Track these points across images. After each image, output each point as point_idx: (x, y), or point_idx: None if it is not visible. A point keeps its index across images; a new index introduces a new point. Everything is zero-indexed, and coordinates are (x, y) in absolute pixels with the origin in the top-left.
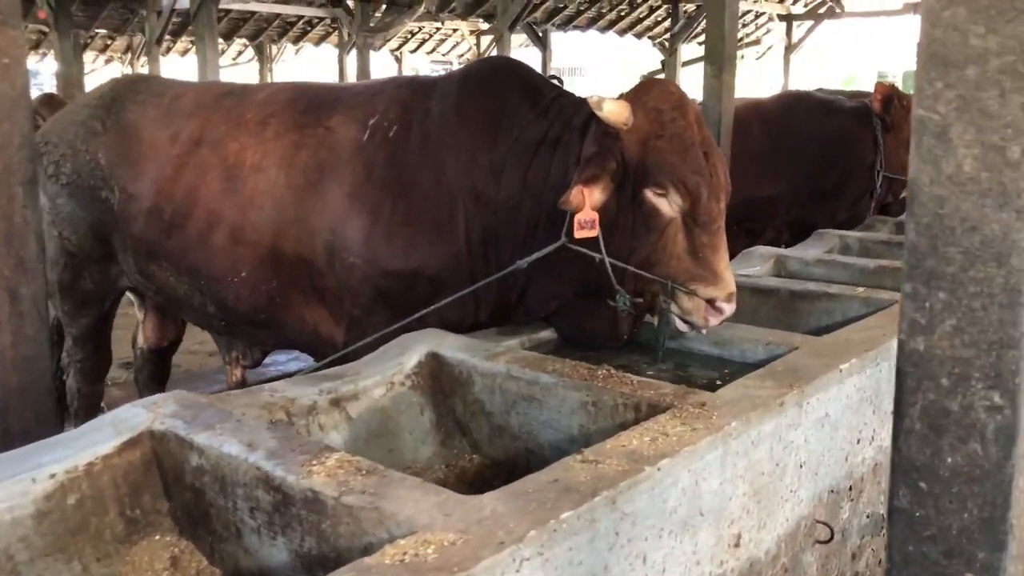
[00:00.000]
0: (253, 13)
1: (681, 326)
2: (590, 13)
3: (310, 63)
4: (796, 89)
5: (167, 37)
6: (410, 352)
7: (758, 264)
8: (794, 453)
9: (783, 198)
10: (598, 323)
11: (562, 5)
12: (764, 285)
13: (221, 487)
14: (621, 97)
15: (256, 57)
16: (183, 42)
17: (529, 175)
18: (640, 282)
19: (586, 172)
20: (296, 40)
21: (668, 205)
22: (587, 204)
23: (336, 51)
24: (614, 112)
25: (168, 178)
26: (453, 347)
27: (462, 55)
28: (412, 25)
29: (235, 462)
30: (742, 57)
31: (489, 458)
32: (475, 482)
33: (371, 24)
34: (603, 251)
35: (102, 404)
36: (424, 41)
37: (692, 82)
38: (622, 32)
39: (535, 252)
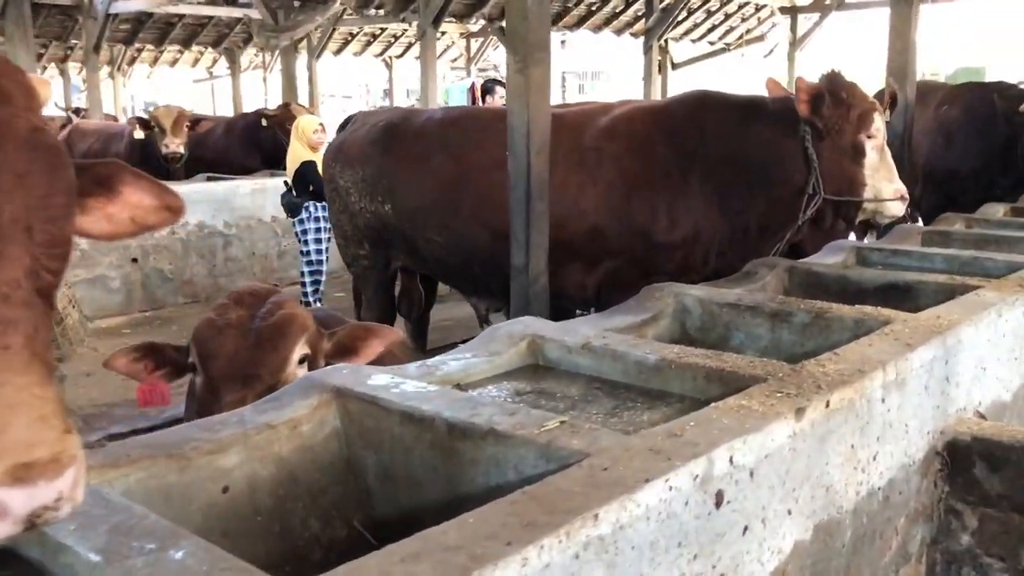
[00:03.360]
0: (210, 18)
1: None
2: (554, 7)
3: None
4: (700, 89)
5: (149, 47)
6: None
7: (504, 347)
8: None
9: (701, 242)
10: None
11: None
12: (419, 411)
13: None
14: None
15: (228, 65)
16: (170, 51)
17: None
18: None
19: None
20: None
21: None
22: None
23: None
24: None
25: None
26: None
27: (455, 60)
28: (396, 28)
29: None
30: (743, 55)
31: None
32: None
33: (287, 23)
34: None
35: None
36: (410, 45)
37: (683, 86)
38: (596, 29)
39: None
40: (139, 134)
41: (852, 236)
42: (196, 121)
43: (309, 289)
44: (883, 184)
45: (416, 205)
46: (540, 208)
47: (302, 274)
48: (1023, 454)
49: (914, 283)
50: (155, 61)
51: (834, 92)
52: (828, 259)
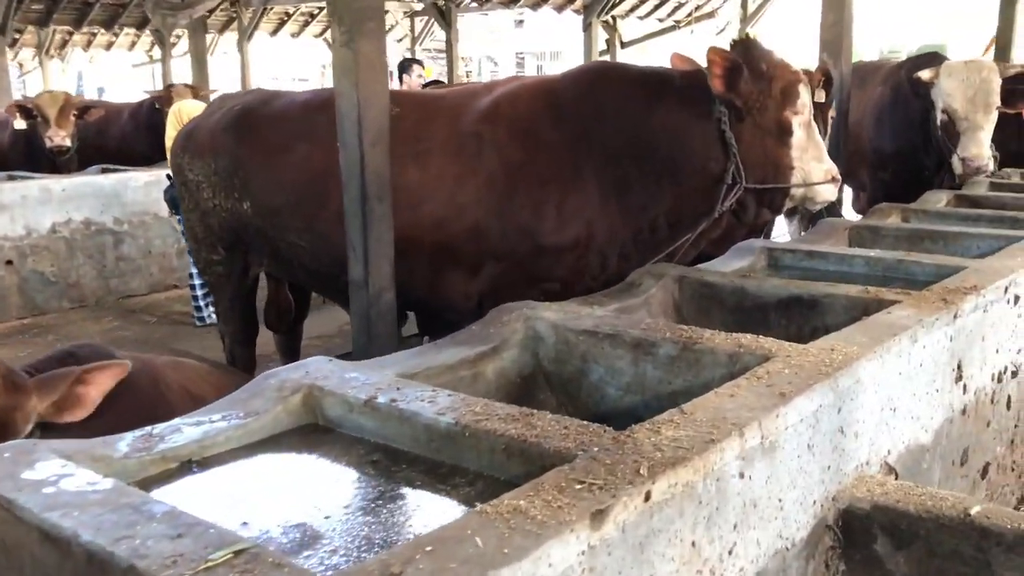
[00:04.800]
0: None
1: None
2: None
3: (230, 53)
4: (598, 61)
5: (72, 29)
6: None
7: (270, 404)
8: None
9: (596, 243)
10: None
11: None
12: (58, 528)
13: None
14: None
15: (160, 48)
16: (103, 35)
17: None
18: None
19: None
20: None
21: None
22: None
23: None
24: None
25: None
26: None
27: (400, 39)
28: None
29: None
30: (693, 32)
31: None
32: None
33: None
34: None
35: None
36: None
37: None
38: (535, 6)
39: None
40: (20, 124)
41: (792, 226)
42: (85, 109)
43: (200, 292)
44: (812, 166)
45: (277, 203)
46: (380, 210)
47: (191, 275)
48: (934, 527)
49: (821, 297)
50: (88, 44)
51: (752, 64)
52: (732, 264)
